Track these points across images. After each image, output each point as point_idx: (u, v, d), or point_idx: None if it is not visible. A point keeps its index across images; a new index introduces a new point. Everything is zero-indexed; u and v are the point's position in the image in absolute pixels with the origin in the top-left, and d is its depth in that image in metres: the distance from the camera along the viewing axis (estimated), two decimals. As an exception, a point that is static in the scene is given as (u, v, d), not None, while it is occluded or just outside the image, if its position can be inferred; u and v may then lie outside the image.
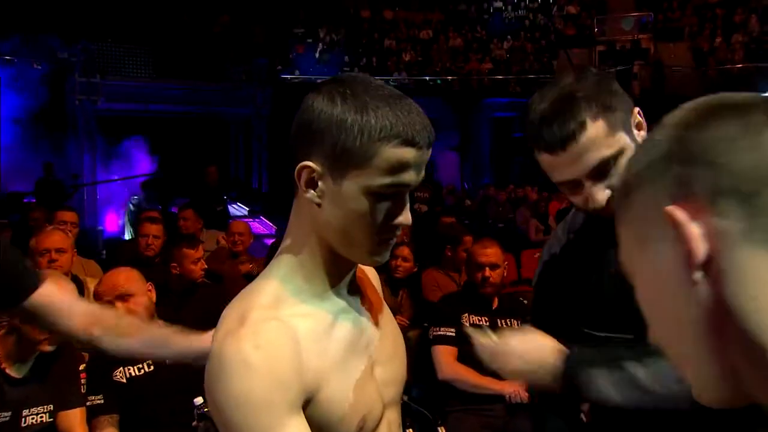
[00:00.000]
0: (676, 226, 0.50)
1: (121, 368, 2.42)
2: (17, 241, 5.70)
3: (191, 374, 2.40)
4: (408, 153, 0.89)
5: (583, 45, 16.56)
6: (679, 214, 0.50)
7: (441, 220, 6.23)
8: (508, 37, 16.82)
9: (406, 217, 0.94)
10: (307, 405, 0.91)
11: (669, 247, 0.52)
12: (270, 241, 8.76)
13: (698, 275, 0.50)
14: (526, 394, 2.99)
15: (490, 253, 3.18)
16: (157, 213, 5.54)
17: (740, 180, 0.49)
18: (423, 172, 0.94)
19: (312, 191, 0.92)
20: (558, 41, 16.73)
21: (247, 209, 11.56)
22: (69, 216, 4.23)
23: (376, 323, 1.06)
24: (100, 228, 10.61)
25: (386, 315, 1.10)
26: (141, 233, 4.30)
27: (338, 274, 0.99)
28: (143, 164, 11.88)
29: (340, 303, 1.00)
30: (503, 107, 15.38)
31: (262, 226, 10.64)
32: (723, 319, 0.50)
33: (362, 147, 0.88)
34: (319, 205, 0.93)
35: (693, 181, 0.51)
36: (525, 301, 3.70)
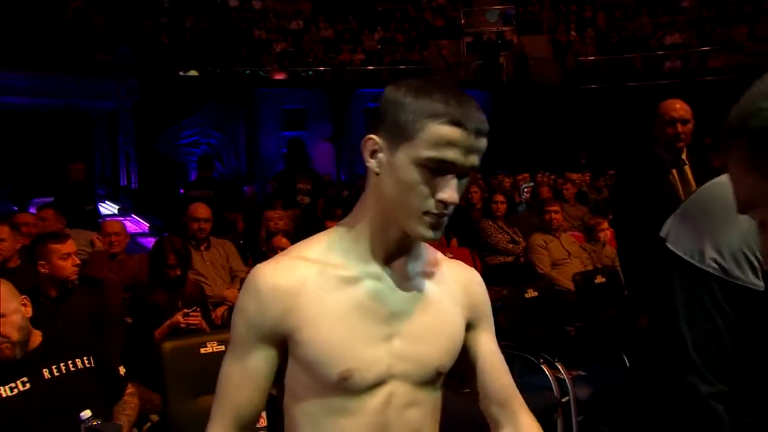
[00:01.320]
0: None
1: (-10, 389, 2.14)
2: None
3: (74, 389, 2.21)
4: (452, 132, 1.00)
5: (452, 36, 17.02)
6: None
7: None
8: (379, 27, 16.96)
9: (450, 195, 1.02)
10: (290, 340, 1.08)
11: None
12: (144, 240, 8.30)
13: None
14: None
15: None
16: (28, 216, 5.05)
17: None
18: (475, 159, 1.03)
19: (373, 161, 1.07)
20: (427, 32, 17.08)
21: (117, 207, 10.91)
22: None
23: (417, 304, 1.13)
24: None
25: (439, 306, 1.16)
26: None
27: (386, 245, 1.11)
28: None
29: (376, 270, 1.11)
30: (377, 97, 15.44)
31: (133, 224, 10.08)
32: None
33: (413, 122, 1.01)
34: (378, 174, 1.07)
35: None
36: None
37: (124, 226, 4.69)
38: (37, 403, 2.16)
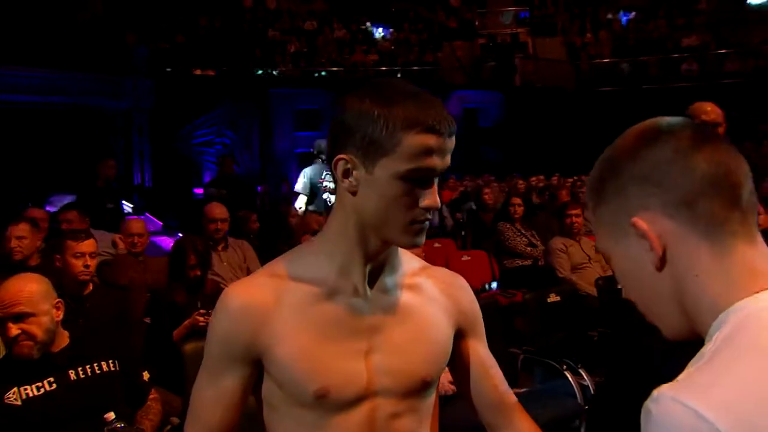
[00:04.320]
0: (641, 232, 0.75)
1: (16, 388, 2.12)
2: None
3: (99, 391, 2.18)
4: (430, 139, 0.98)
5: (466, 38, 16.96)
6: (642, 224, 0.75)
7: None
8: (392, 28, 16.91)
9: (434, 200, 1.01)
10: (263, 359, 1.06)
11: (636, 242, 0.76)
12: (158, 238, 8.27)
13: (658, 263, 0.75)
14: (452, 386, 2.96)
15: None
16: (40, 211, 5.01)
17: (681, 194, 0.72)
18: (448, 159, 1.02)
19: (347, 180, 1.03)
20: (441, 33, 17.03)
21: (131, 206, 10.91)
22: None
23: (396, 316, 1.11)
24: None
25: (421, 317, 1.13)
26: (5, 236, 3.79)
27: (363, 259, 1.08)
28: None
29: (352, 285, 1.08)
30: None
31: (147, 222, 10.07)
32: (677, 288, 0.75)
33: (388, 136, 0.97)
34: (354, 193, 1.03)
35: (648, 197, 0.74)
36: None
37: (145, 226, 4.65)
38: (63, 403, 2.14)
